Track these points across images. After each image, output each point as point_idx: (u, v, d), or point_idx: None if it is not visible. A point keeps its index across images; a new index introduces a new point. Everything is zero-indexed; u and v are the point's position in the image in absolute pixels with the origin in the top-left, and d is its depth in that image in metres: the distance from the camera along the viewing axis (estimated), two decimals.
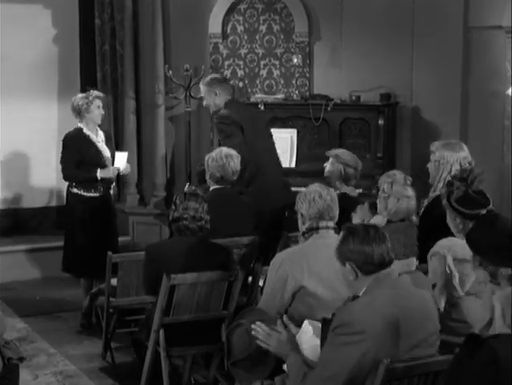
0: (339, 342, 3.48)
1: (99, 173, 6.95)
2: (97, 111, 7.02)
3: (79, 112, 6.99)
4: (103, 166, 7.03)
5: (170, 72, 8.82)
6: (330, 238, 4.60)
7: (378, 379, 3.38)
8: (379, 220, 5.31)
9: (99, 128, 7.16)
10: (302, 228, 4.79)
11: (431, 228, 5.12)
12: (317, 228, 4.71)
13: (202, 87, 7.16)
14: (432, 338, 3.65)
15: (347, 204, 5.95)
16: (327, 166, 6.35)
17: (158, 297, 5.03)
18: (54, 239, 8.10)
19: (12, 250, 8.47)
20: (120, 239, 7.59)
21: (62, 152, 7.04)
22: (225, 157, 6.13)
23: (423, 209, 5.65)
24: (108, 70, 9.20)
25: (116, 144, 9.10)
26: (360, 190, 6.82)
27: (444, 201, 4.58)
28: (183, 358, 5.53)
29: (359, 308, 3.54)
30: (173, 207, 5.19)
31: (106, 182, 7.10)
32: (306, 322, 4.02)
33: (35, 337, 6.69)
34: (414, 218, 5.47)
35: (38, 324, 6.99)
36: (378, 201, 5.50)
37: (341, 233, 3.78)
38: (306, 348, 3.88)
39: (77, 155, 6.96)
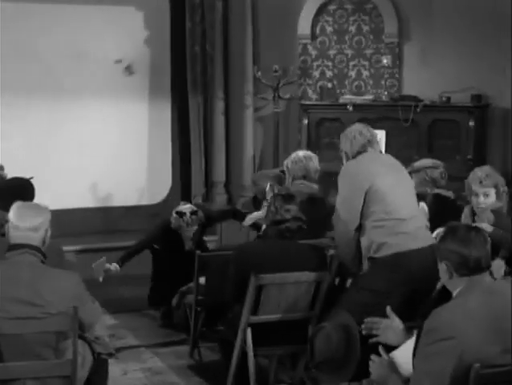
0: (430, 352, 3.40)
1: None
2: None
3: None
4: None
5: (259, 73, 8.87)
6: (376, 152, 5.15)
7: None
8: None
9: None
10: None
11: None
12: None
13: None
14: None
15: (441, 205, 5.90)
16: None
17: (246, 297, 5.06)
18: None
19: (102, 248, 8.60)
20: (208, 238, 7.66)
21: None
22: (304, 158, 6.20)
23: None
24: (198, 71, 9.29)
25: (205, 145, 9.22)
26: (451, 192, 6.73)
27: None
28: (268, 359, 5.55)
29: (449, 313, 3.47)
30: (273, 210, 5.17)
31: None
32: (409, 342, 3.95)
33: (124, 333, 6.80)
34: None
35: (127, 321, 7.10)
36: (487, 198, 5.50)
37: (442, 231, 3.73)
38: (405, 367, 3.82)
39: None
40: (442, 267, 3.62)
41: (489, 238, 3.65)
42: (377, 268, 4.88)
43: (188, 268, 6.23)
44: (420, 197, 6.01)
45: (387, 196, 4.90)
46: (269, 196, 6.63)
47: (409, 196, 5.07)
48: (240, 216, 7.55)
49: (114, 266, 6.73)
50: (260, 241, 5.55)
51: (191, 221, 6.72)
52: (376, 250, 4.88)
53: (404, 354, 3.85)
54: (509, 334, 3.46)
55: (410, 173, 6.27)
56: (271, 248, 5.12)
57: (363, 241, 4.96)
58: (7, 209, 4.26)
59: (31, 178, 5.67)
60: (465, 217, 5.63)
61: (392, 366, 3.80)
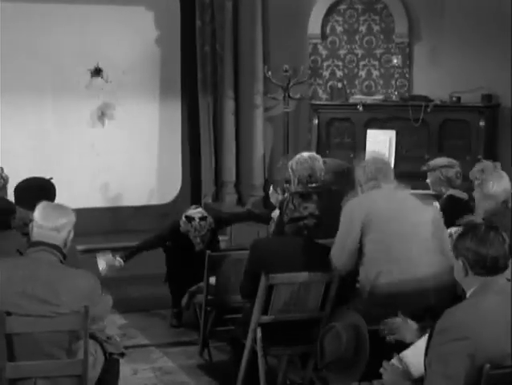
0: (445, 353, 3.38)
1: None
2: None
3: None
4: None
5: (269, 73, 8.87)
6: (388, 189, 5.03)
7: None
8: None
9: None
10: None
11: None
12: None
13: None
14: None
15: (454, 207, 5.89)
16: (428, 180, 6.29)
17: (256, 296, 5.06)
18: None
19: (111, 247, 8.59)
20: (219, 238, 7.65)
21: None
22: (309, 158, 6.21)
23: None
24: (208, 71, 9.30)
25: (215, 145, 9.22)
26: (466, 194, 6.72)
27: None
28: (278, 358, 5.55)
29: (462, 312, 3.45)
30: (292, 207, 5.19)
31: None
32: (420, 342, 3.94)
33: (135, 333, 6.81)
34: (510, 203, 5.57)
35: (137, 321, 7.11)
36: (474, 192, 5.58)
37: (461, 228, 3.71)
38: (416, 367, 3.81)
39: None
40: (458, 264, 3.59)
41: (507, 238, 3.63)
42: (375, 297, 4.82)
43: (199, 267, 6.22)
44: (435, 197, 6.03)
45: (384, 227, 4.83)
46: (273, 198, 6.65)
47: (415, 228, 4.89)
48: (255, 218, 7.56)
49: (118, 261, 6.77)
50: (276, 237, 5.53)
51: (199, 227, 6.74)
52: (373, 280, 4.82)
53: (414, 354, 3.85)
54: None
55: (426, 172, 6.28)
56: (286, 245, 5.14)
57: (361, 272, 4.93)
58: (30, 208, 4.31)
59: (51, 179, 5.71)
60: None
61: (406, 374, 3.80)
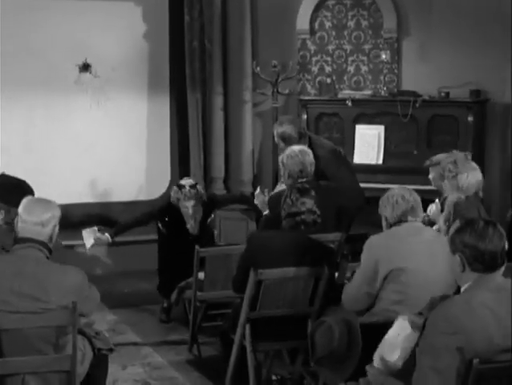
0: (436, 347, 3.37)
1: None
2: None
3: None
4: None
5: (258, 68, 8.86)
6: (418, 225, 4.81)
7: (470, 380, 3.32)
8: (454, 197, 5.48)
9: None
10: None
11: None
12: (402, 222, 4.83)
13: None
14: None
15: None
16: (430, 176, 6.27)
17: (245, 292, 5.06)
18: (142, 232, 8.19)
19: None
20: None
21: None
22: (299, 153, 6.20)
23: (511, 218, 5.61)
24: (197, 66, 9.26)
25: (204, 141, 9.20)
26: None
27: None
28: (265, 354, 5.55)
29: (455, 307, 3.44)
30: (289, 202, 5.18)
31: None
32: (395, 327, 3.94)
33: (124, 328, 6.81)
34: (480, 193, 5.67)
35: (126, 316, 7.11)
36: (446, 183, 5.60)
37: (458, 223, 3.64)
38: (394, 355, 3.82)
39: None
40: (455, 259, 3.56)
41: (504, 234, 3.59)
42: None
43: (191, 257, 6.11)
44: (436, 193, 6.05)
45: (407, 280, 4.62)
46: (258, 199, 6.64)
47: (437, 280, 4.61)
48: (247, 201, 7.58)
49: (106, 236, 6.77)
50: (271, 232, 5.51)
51: (189, 194, 6.77)
52: None
53: (389, 340, 3.86)
54: (508, 336, 3.44)
55: (428, 167, 6.28)
56: (280, 240, 5.12)
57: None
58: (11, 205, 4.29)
59: (3, 173, 5.66)
60: None
61: (389, 369, 3.81)
